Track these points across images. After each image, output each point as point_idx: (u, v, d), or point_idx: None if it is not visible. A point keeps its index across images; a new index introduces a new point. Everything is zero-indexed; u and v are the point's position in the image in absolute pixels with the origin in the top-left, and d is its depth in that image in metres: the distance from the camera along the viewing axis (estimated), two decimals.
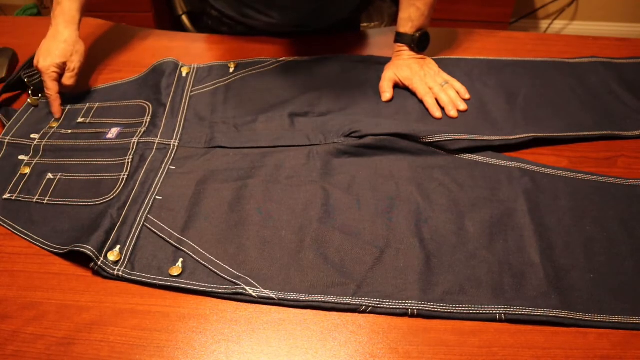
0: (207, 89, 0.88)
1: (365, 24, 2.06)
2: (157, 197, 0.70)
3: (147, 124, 0.81)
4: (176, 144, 0.77)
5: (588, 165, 0.75)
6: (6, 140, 0.79)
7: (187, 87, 0.88)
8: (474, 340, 0.56)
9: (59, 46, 0.83)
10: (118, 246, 0.63)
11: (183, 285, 0.60)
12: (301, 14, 0.98)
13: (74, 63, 0.85)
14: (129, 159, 0.75)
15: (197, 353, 0.55)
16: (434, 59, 0.91)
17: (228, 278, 0.60)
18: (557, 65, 0.92)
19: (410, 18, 0.86)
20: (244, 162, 0.74)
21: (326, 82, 0.88)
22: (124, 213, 0.67)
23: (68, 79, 0.85)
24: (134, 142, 0.77)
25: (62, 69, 0.84)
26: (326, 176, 0.72)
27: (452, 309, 0.58)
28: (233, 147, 0.76)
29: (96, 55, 0.98)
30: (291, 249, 0.63)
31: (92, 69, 0.95)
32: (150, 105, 0.85)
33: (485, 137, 0.76)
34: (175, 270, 0.61)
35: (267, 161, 0.74)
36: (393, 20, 1.15)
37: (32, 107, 0.85)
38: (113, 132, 0.80)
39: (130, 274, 0.61)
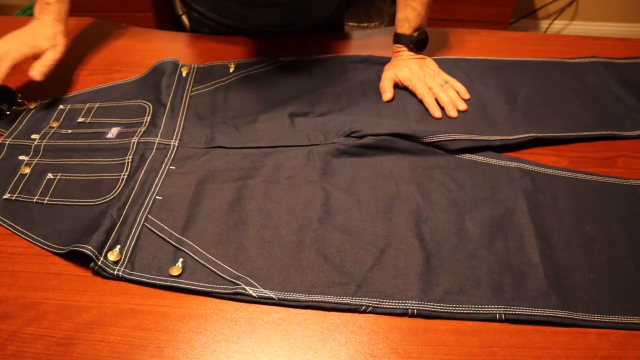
0: (207, 89, 0.88)
1: (365, 24, 2.06)
2: (157, 197, 0.70)
3: (147, 124, 0.81)
4: (176, 144, 0.77)
5: (588, 165, 0.75)
6: (7, 142, 0.79)
7: (187, 87, 0.88)
8: (474, 340, 0.56)
9: (41, 32, 0.81)
10: (118, 246, 0.63)
11: (183, 285, 0.60)
12: (280, 13, 0.97)
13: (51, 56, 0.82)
14: (129, 158, 0.75)
15: (197, 353, 0.55)
16: (433, 59, 0.91)
17: (228, 278, 0.60)
18: (557, 65, 0.92)
19: (407, 19, 0.86)
20: (244, 162, 0.74)
21: (326, 82, 0.88)
22: (124, 213, 0.67)
23: (40, 69, 0.81)
24: (134, 142, 0.77)
25: (27, 58, 0.80)
26: (326, 176, 0.72)
27: (452, 309, 0.58)
28: (233, 147, 0.76)
29: (96, 55, 0.99)
30: (291, 249, 0.63)
31: (92, 69, 0.95)
32: (151, 105, 0.85)
33: (485, 137, 0.76)
34: (175, 270, 0.61)
35: (267, 161, 0.74)
36: (393, 20, 1.15)
37: (32, 109, 0.85)
38: (113, 132, 0.80)
39: (130, 274, 0.61)
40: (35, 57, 0.81)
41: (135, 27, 1.06)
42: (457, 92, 0.85)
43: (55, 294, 0.60)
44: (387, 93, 0.86)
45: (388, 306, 0.58)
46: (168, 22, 1.94)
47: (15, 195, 0.71)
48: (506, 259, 0.62)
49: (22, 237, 0.66)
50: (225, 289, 0.60)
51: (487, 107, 0.83)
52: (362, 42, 1.00)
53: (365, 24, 2.04)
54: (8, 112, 0.84)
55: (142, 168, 0.73)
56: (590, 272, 0.61)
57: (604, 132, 0.79)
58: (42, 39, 0.81)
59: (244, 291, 0.59)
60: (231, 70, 0.91)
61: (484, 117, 0.82)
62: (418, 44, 0.88)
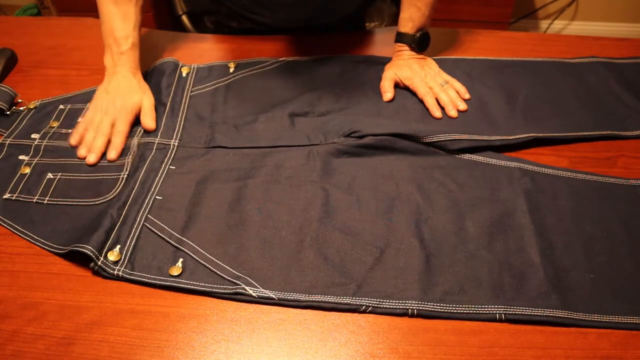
0: (207, 89, 0.88)
1: (365, 24, 2.06)
2: (157, 197, 0.70)
3: None
4: (176, 144, 0.77)
5: (588, 165, 0.75)
6: (7, 142, 0.79)
7: (187, 87, 0.88)
8: (474, 340, 0.56)
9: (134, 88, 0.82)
10: (118, 246, 0.63)
11: (183, 285, 0.60)
12: (308, 9, 0.98)
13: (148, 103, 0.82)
14: (128, 159, 0.75)
15: (197, 353, 0.55)
16: (434, 59, 0.91)
17: (228, 278, 0.60)
18: (557, 65, 0.92)
19: (411, 18, 0.87)
20: (244, 162, 0.74)
21: (326, 82, 0.88)
22: (124, 213, 0.67)
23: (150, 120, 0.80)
24: (134, 143, 0.77)
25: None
26: (326, 176, 0.72)
27: (452, 309, 0.58)
28: (233, 147, 0.76)
29: (96, 55, 0.98)
30: (291, 249, 0.63)
31: (92, 69, 0.95)
32: None
33: (485, 137, 0.76)
34: (175, 270, 0.61)
35: (267, 161, 0.74)
36: (393, 20, 1.15)
37: (33, 109, 0.85)
38: None
39: (130, 274, 0.61)
40: (137, 114, 0.81)
41: None
42: (458, 92, 0.85)
43: (55, 294, 0.60)
44: (388, 93, 0.86)
45: (388, 306, 0.58)
46: (168, 22, 1.94)
47: (15, 195, 0.71)
48: (506, 259, 0.62)
49: (22, 237, 0.66)
50: (225, 289, 0.60)
51: (487, 107, 0.83)
52: (363, 41, 1.00)
53: (365, 24, 2.04)
54: (8, 112, 0.84)
55: (142, 168, 0.73)
56: (590, 272, 0.61)
57: (604, 132, 0.79)
58: (132, 95, 0.80)
59: (244, 291, 0.59)
60: (231, 70, 0.91)
61: (484, 117, 0.82)
62: (420, 43, 0.88)
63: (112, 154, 0.75)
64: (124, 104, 0.79)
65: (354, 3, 1.04)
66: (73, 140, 0.77)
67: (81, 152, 0.76)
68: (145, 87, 0.84)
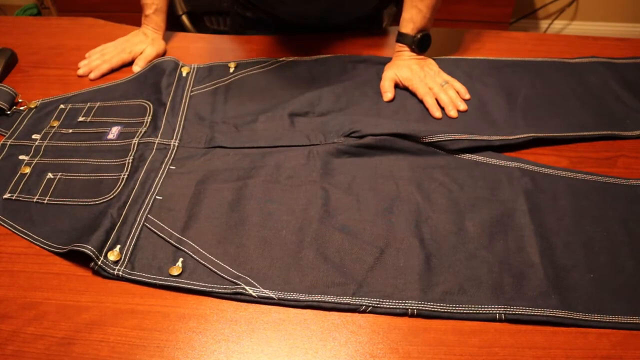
0: (207, 89, 0.88)
1: None
2: (157, 197, 0.70)
3: (147, 124, 0.81)
4: (176, 144, 0.77)
5: (588, 165, 0.75)
6: (8, 143, 0.79)
7: (187, 87, 0.88)
8: (474, 340, 0.56)
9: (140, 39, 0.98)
10: (118, 246, 0.63)
11: (183, 285, 0.60)
12: (322, 6, 0.98)
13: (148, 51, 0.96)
14: (129, 159, 0.75)
15: (197, 353, 0.55)
16: (434, 59, 0.91)
17: (228, 278, 0.60)
18: (557, 65, 0.92)
19: (412, 19, 0.86)
20: (244, 162, 0.74)
21: (326, 82, 0.88)
22: (124, 213, 0.67)
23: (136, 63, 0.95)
24: (134, 143, 0.77)
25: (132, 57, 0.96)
26: (326, 176, 0.72)
27: (452, 309, 0.58)
28: (233, 147, 0.76)
29: None
30: (291, 249, 0.63)
31: None
32: (151, 105, 0.85)
33: (485, 137, 0.76)
34: (175, 270, 0.61)
35: (267, 161, 0.74)
36: (393, 20, 1.15)
37: (33, 108, 0.85)
38: (114, 132, 0.80)
39: (130, 274, 0.61)
40: (133, 60, 0.96)
41: (135, 27, 1.06)
42: (458, 92, 0.85)
43: (55, 294, 0.60)
44: (388, 93, 0.86)
45: (388, 306, 0.58)
46: (168, 22, 1.94)
47: (15, 195, 0.71)
48: (506, 259, 0.62)
49: (22, 237, 0.66)
50: (225, 288, 0.60)
51: (487, 107, 0.83)
52: (362, 41, 1.00)
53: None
54: (9, 112, 0.85)
55: (142, 168, 0.73)
56: (590, 271, 0.61)
57: (604, 132, 0.79)
58: (139, 44, 0.97)
59: (244, 291, 0.59)
60: (231, 70, 0.91)
61: (484, 117, 0.82)
62: (420, 45, 0.88)
63: (88, 73, 0.93)
64: (126, 48, 0.96)
65: (369, 3, 1.04)
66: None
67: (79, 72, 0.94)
68: (157, 41, 0.98)
